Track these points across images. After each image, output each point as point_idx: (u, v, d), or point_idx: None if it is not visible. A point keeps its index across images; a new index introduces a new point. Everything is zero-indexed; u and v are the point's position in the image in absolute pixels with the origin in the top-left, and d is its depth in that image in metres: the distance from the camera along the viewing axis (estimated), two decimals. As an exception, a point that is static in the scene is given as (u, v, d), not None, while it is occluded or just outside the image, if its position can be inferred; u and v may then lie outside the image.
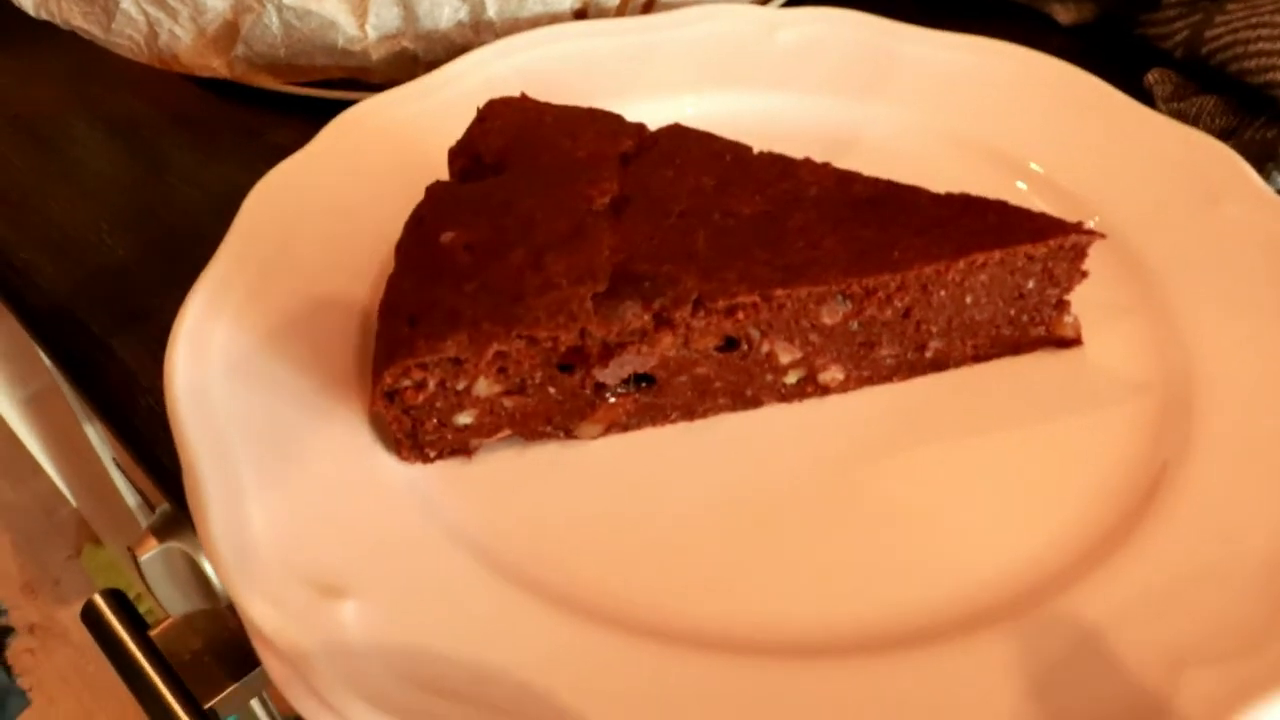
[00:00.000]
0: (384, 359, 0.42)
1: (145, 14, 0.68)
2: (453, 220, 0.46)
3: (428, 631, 0.39)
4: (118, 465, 1.04)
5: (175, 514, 0.61)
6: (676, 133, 0.50)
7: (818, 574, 0.43)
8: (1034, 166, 0.60)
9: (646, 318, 0.42)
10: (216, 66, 0.71)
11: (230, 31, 0.68)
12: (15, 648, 1.56)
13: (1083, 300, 0.50)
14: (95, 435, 0.99)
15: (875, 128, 0.62)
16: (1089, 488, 0.46)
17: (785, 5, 0.70)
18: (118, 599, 0.69)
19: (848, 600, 0.42)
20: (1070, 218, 0.55)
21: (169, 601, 0.69)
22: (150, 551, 0.69)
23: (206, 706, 0.59)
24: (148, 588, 0.70)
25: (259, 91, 0.72)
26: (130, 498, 1.08)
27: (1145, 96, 0.70)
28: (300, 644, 0.38)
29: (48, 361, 0.61)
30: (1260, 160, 0.63)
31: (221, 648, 0.57)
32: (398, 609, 0.40)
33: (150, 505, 1.08)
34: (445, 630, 0.39)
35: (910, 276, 0.45)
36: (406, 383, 0.42)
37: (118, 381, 0.55)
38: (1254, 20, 0.65)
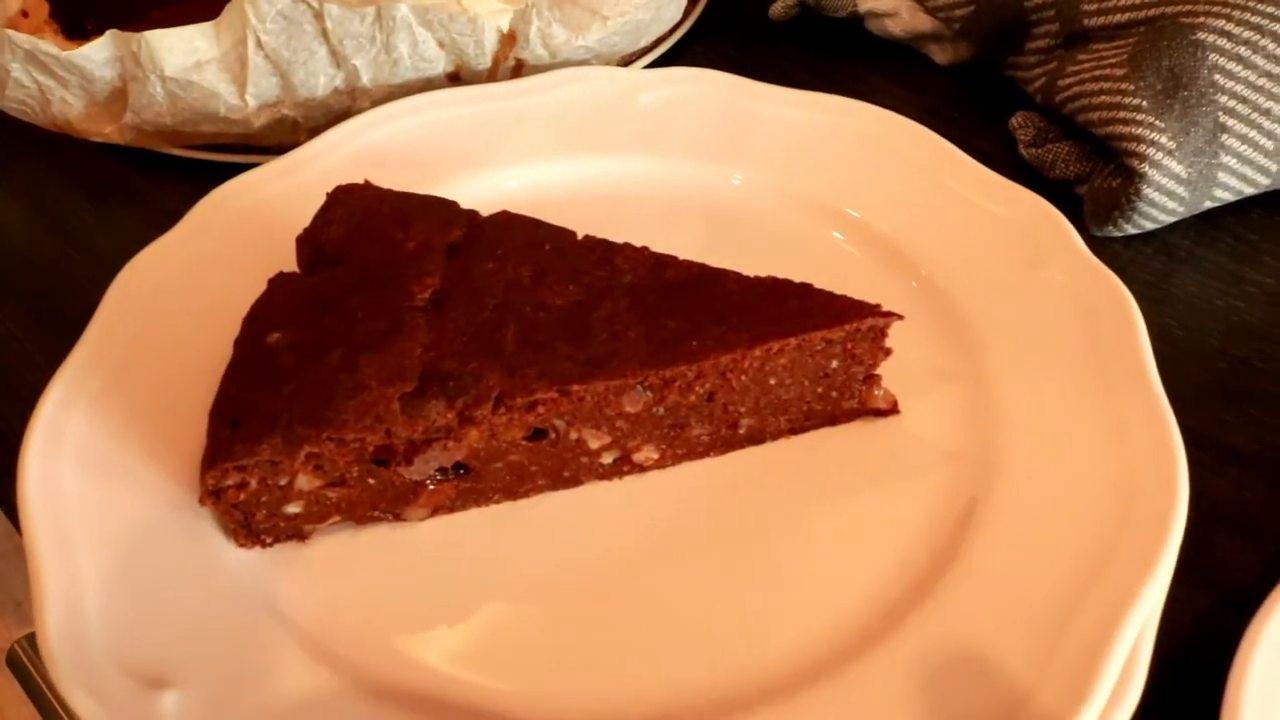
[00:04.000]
0: (206, 461, 0.45)
1: (36, 82, 0.70)
2: (284, 318, 0.48)
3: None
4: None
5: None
6: (503, 220, 0.53)
7: (643, 647, 0.46)
8: (869, 222, 0.62)
9: (451, 416, 0.45)
10: (109, 133, 0.73)
11: (120, 99, 0.71)
12: (-27, 671, 1.58)
13: (905, 365, 0.53)
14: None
15: (726, 190, 0.65)
16: (891, 553, 0.49)
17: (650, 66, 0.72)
18: (39, 644, 0.72)
19: (669, 673, 0.45)
20: (899, 279, 0.58)
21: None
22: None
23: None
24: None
25: (155, 154, 0.74)
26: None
27: (1011, 137, 0.73)
28: (118, 735, 0.40)
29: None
30: (1108, 209, 0.66)
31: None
32: (218, 697, 0.43)
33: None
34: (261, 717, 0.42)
35: (707, 366, 0.47)
36: (228, 483, 0.45)
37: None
38: (1098, 73, 0.67)
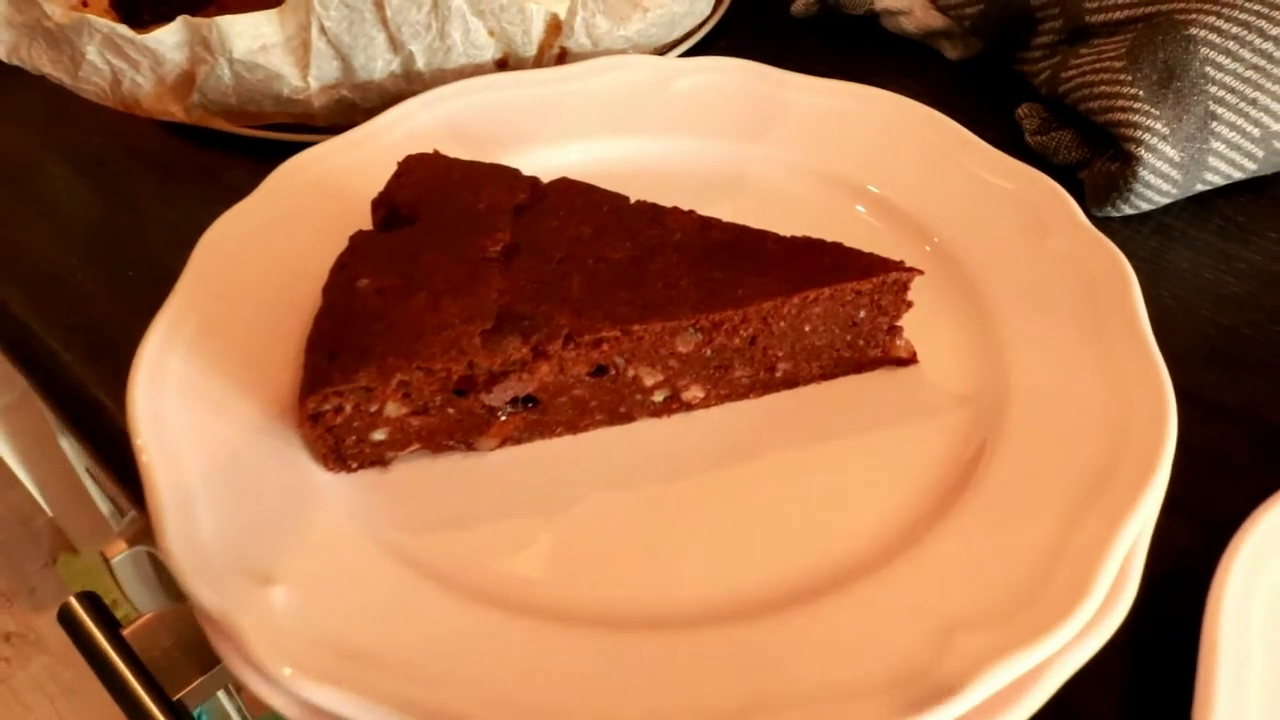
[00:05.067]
0: (307, 388, 0.50)
1: (109, 64, 0.75)
2: (369, 267, 0.54)
3: (342, 610, 0.47)
4: (90, 474, 1.11)
5: (144, 519, 0.68)
6: (564, 185, 0.58)
7: (691, 558, 0.51)
8: (888, 197, 0.68)
9: (525, 350, 0.51)
10: (175, 111, 0.78)
11: (187, 80, 0.76)
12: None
13: (923, 321, 0.59)
14: (69, 445, 1.06)
15: (756, 167, 0.70)
16: (911, 482, 0.54)
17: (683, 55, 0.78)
18: (92, 601, 0.77)
19: (715, 579, 0.50)
20: (916, 247, 0.64)
21: (139, 599, 0.76)
22: (121, 554, 0.76)
23: (175, 698, 0.66)
24: (119, 587, 0.77)
25: (216, 133, 0.80)
26: (103, 505, 1.15)
27: (1017, 126, 0.79)
28: (238, 621, 0.46)
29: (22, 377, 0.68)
30: (1106, 191, 0.71)
31: (189, 643, 0.63)
32: (318, 592, 0.48)
33: (121, 511, 1.15)
34: (356, 608, 0.47)
35: (751, 311, 0.53)
36: (326, 407, 0.50)
37: (88, 403, 0.63)
38: (1098, 65, 0.73)
